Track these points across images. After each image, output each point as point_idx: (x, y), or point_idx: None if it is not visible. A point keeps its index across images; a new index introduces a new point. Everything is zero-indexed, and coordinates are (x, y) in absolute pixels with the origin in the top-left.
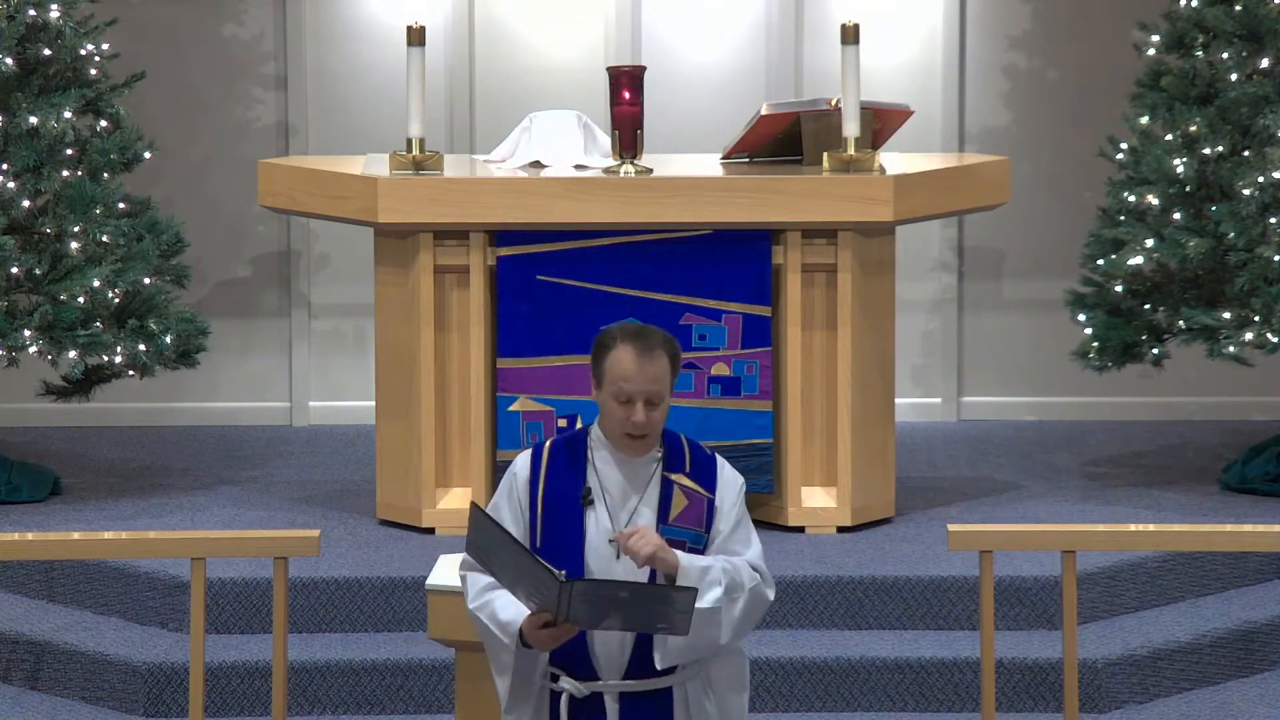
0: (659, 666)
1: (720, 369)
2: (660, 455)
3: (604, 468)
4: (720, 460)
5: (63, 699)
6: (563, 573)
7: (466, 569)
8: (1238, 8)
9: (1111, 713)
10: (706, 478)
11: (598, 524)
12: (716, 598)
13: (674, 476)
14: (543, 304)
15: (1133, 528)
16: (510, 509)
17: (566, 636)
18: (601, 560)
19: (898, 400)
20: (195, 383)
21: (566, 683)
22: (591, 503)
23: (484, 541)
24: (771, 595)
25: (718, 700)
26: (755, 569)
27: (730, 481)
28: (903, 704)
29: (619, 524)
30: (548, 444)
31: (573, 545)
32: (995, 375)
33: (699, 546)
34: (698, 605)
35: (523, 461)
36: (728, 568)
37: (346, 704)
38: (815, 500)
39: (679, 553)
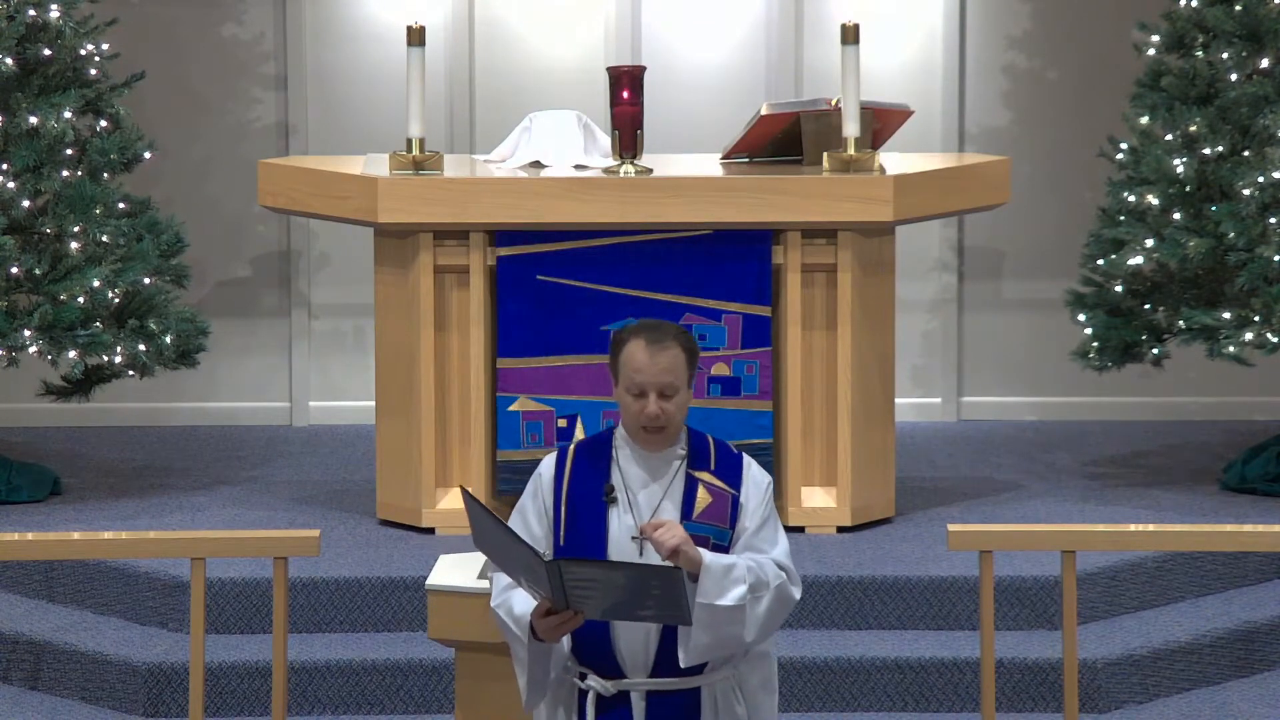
0: (682, 664)
1: (720, 369)
2: (684, 453)
3: (627, 465)
4: (748, 459)
5: (62, 699)
6: (546, 554)
7: (492, 569)
8: (1238, 8)
9: (1111, 713)
10: (732, 475)
11: (620, 521)
12: (740, 595)
13: (698, 474)
14: (543, 304)
15: (1133, 528)
16: (535, 509)
17: (571, 625)
18: (625, 557)
19: (898, 400)
20: (195, 383)
21: (593, 681)
22: (614, 500)
23: (481, 530)
24: (798, 594)
25: (747, 702)
26: (781, 567)
27: (757, 480)
28: (903, 704)
29: (641, 521)
30: (573, 445)
31: (596, 543)
32: (995, 375)
33: (723, 543)
34: (720, 603)
35: (548, 462)
36: (752, 565)
37: (346, 704)
38: (815, 500)
39: (704, 550)
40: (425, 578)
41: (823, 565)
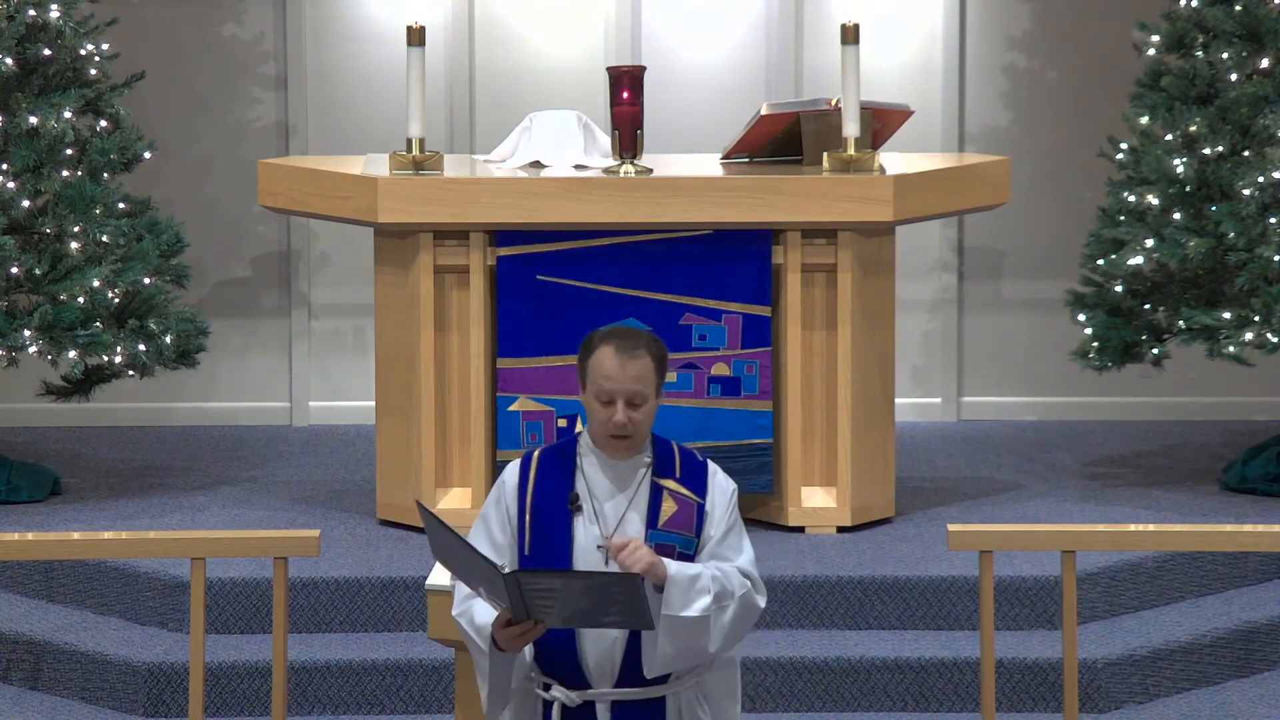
0: (647, 675)
1: (720, 369)
2: (649, 461)
3: (592, 473)
4: (712, 466)
5: (62, 699)
6: (503, 565)
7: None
8: (1238, 8)
9: (1111, 713)
10: (697, 483)
11: (586, 530)
12: (704, 606)
13: (663, 481)
14: (543, 304)
15: (1133, 528)
16: (498, 517)
17: (532, 635)
18: (590, 566)
19: (898, 400)
20: (195, 383)
21: (558, 691)
22: (579, 508)
23: (438, 543)
24: (763, 603)
25: (712, 710)
26: (746, 576)
27: (722, 487)
28: (903, 704)
29: (607, 529)
30: (537, 452)
31: (561, 551)
32: (995, 375)
33: (688, 552)
34: (685, 614)
35: (512, 469)
36: (717, 575)
37: (346, 704)
38: (815, 500)
39: (669, 561)
40: (425, 578)
41: (823, 565)
